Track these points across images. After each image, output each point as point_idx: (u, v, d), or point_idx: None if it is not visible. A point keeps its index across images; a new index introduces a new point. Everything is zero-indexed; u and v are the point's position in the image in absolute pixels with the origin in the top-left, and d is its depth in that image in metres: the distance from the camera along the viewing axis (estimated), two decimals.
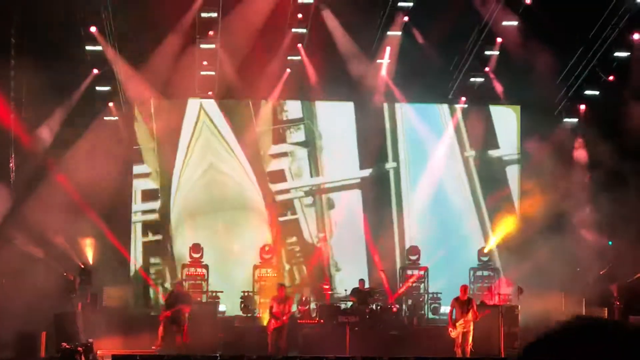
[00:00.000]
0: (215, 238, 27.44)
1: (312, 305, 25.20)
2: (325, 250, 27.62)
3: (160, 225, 27.39)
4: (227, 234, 27.64)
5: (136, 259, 27.00)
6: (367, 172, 28.30)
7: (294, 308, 23.82)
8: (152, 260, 27.26)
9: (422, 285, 26.04)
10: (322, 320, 23.49)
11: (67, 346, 19.36)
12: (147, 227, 27.38)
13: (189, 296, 22.72)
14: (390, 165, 28.38)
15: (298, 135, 28.42)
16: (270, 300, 21.39)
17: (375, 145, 28.13)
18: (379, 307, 23.85)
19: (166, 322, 21.32)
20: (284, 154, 28.33)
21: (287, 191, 28.23)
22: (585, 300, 23.81)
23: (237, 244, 27.49)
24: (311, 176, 28.29)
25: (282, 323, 20.99)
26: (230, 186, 27.92)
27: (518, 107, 27.80)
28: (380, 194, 28.12)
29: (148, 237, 27.37)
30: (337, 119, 28.44)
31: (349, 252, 27.68)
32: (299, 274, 27.53)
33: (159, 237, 27.34)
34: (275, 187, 28.13)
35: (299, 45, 26.02)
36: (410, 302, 25.56)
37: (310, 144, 28.38)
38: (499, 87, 26.97)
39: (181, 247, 26.98)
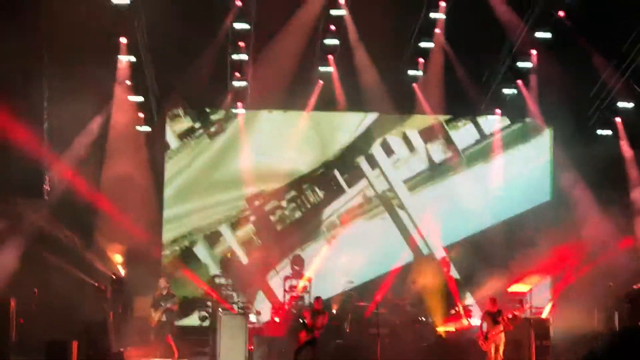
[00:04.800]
0: None
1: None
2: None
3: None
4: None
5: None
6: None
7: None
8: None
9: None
10: (352, 331, 23.43)
11: (97, 355, 19.44)
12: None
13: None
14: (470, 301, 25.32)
15: (439, 150, 24.98)
16: (303, 312, 20.79)
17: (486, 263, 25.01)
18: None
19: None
20: (412, 147, 25.21)
21: (375, 165, 25.47)
22: (618, 315, 23.62)
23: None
24: (402, 183, 25.19)
25: (314, 336, 20.07)
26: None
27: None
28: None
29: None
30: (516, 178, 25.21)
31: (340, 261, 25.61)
32: (277, 223, 25.54)
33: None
34: (373, 149, 25.51)
35: (330, 56, 25.84)
36: None
37: (447, 167, 25.02)
38: (531, 101, 26.73)
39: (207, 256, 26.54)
